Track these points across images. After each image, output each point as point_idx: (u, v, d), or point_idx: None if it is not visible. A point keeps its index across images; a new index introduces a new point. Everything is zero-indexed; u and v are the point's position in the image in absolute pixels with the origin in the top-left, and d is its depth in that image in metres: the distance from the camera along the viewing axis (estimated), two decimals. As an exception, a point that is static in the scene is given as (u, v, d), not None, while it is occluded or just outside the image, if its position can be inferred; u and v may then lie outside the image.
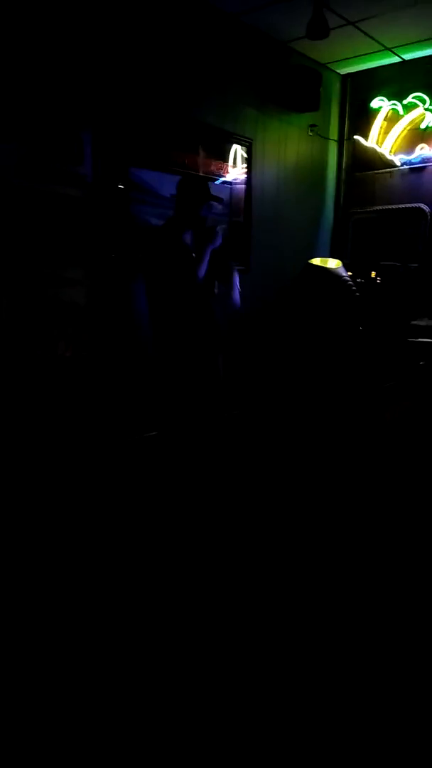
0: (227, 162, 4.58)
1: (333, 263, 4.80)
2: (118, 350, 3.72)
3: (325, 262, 4.80)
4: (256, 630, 2.20)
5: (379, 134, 5.42)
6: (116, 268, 3.69)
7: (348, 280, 4.74)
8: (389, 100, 5.30)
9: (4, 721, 1.75)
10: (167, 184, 3.81)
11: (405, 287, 5.14)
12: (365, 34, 4.65)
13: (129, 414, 3.73)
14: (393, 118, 5.32)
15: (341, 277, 4.70)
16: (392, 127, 5.32)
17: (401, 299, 5.07)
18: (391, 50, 4.98)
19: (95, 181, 3.53)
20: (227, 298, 3.05)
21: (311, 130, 5.36)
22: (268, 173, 5.01)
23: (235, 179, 4.68)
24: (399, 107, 5.26)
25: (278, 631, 2.20)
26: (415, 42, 4.81)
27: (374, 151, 5.46)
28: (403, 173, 5.36)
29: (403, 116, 5.24)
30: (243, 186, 4.77)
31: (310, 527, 2.98)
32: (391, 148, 5.35)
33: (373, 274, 5.26)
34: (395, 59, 5.17)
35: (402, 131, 5.28)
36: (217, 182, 4.48)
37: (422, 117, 5.13)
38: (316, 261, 4.86)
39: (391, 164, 5.39)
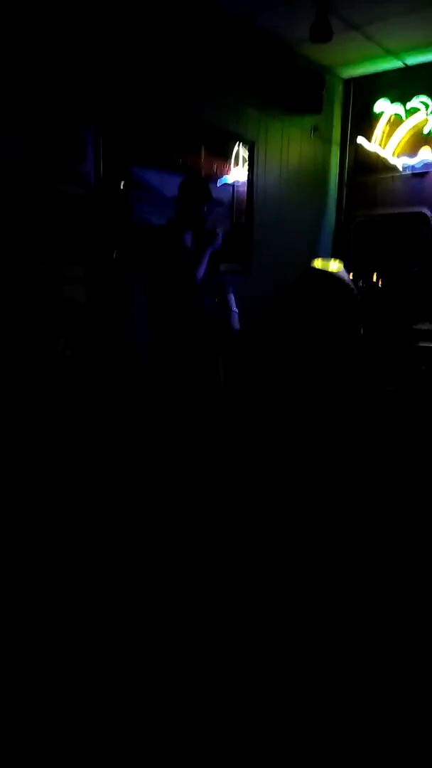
0: (229, 163, 4.57)
1: (335, 265, 4.78)
2: (118, 349, 3.69)
3: (327, 264, 4.78)
4: (256, 629, 2.17)
5: (382, 138, 5.42)
6: (117, 266, 3.67)
7: (350, 284, 4.72)
8: (392, 104, 5.30)
9: (5, 721, 1.72)
10: (169, 184, 3.80)
11: (407, 291, 5.13)
12: (369, 38, 4.66)
13: (128, 413, 3.70)
14: (396, 122, 5.32)
15: (343, 280, 4.68)
16: (395, 131, 5.32)
17: (403, 303, 5.05)
18: (395, 55, 4.98)
19: (97, 180, 3.52)
20: (225, 321, 3.05)
21: (314, 133, 5.36)
22: (270, 175, 5.01)
23: (236, 180, 4.67)
24: (402, 111, 5.26)
25: (278, 631, 2.17)
26: (419, 47, 4.82)
27: (377, 155, 5.46)
28: (405, 177, 5.35)
29: (405, 120, 5.24)
30: (245, 187, 4.75)
31: (310, 529, 2.95)
32: (394, 152, 5.35)
33: (375, 277, 5.25)
34: (399, 64, 5.17)
35: (405, 135, 5.28)
36: (218, 183, 4.46)
37: (425, 122, 5.13)
38: (318, 263, 4.84)
39: (394, 168, 5.39)
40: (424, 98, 5.09)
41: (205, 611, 2.29)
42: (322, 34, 4.13)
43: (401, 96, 5.25)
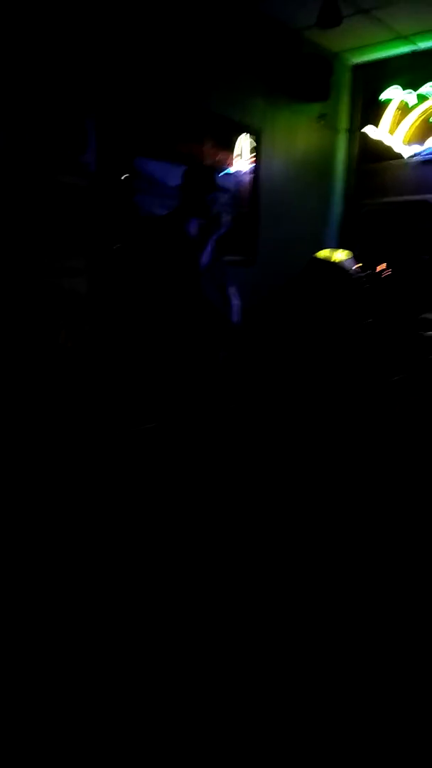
0: (234, 152, 4.52)
1: (341, 254, 4.73)
2: (119, 341, 3.69)
3: (333, 254, 4.74)
4: (255, 629, 2.17)
5: (390, 125, 5.33)
6: (119, 258, 3.66)
7: (355, 273, 4.68)
8: (402, 90, 5.21)
9: (5, 721, 1.74)
10: (172, 175, 3.76)
11: (415, 280, 5.07)
12: (379, 21, 4.56)
13: (128, 405, 3.70)
14: (404, 109, 5.23)
15: (347, 269, 4.63)
16: (404, 118, 5.23)
17: (411, 292, 5.00)
18: (406, 39, 4.88)
19: (99, 170, 3.50)
20: (225, 312, 3.03)
21: (321, 121, 5.29)
22: (276, 164, 4.95)
23: (242, 170, 4.62)
24: (411, 98, 5.17)
25: (278, 630, 2.17)
26: (430, 30, 4.71)
27: (385, 143, 5.37)
28: (414, 165, 5.27)
29: (415, 107, 5.15)
30: (250, 177, 4.71)
31: (313, 523, 2.95)
32: (403, 139, 5.27)
33: (383, 266, 5.19)
34: (408, 49, 5.07)
35: (414, 122, 5.19)
36: (223, 173, 4.42)
37: (435, 108, 5.04)
38: (323, 253, 4.79)
39: (402, 156, 5.30)
40: (434, 84, 5.00)
41: (205, 606, 2.30)
42: (331, 18, 4.06)
43: (411, 82, 5.15)
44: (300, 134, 5.15)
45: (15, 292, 3.14)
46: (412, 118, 5.17)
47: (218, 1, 4.12)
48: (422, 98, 5.10)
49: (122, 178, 3.65)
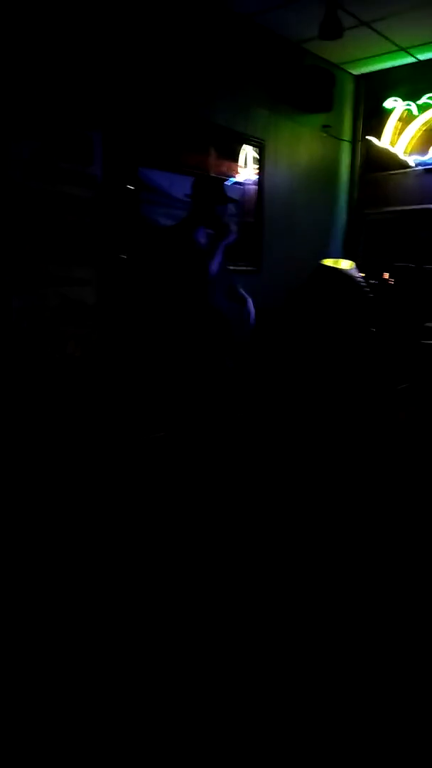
0: (238, 163, 4.56)
1: (345, 264, 4.76)
2: (127, 350, 3.71)
3: (338, 263, 4.76)
4: (255, 629, 2.17)
5: (393, 135, 5.37)
6: (126, 268, 3.68)
7: (360, 281, 4.70)
8: (403, 100, 5.26)
9: (5, 721, 1.74)
10: (178, 185, 3.80)
11: (418, 289, 5.08)
12: (379, 34, 4.62)
13: (137, 415, 3.72)
14: (407, 119, 5.28)
15: (353, 278, 4.65)
16: (406, 127, 5.27)
17: (414, 301, 5.01)
18: (406, 50, 4.93)
19: (105, 182, 3.53)
20: (238, 317, 3.07)
21: (324, 131, 5.33)
22: (280, 174, 4.99)
23: (246, 180, 4.66)
24: (413, 108, 5.21)
25: (278, 630, 2.16)
26: (430, 42, 4.76)
27: (388, 152, 5.41)
28: (417, 174, 5.31)
29: (417, 117, 5.19)
30: (254, 187, 4.74)
31: (318, 527, 2.94)
32: (405, 148, 5.31)
33: (387, 275, 5.21)
34: (409, 60, 5.12)
35: (416, 132, 5.23)
36: (228, 183, 4.46)
37: (437, 117, 5.08)
38: (329, 262, 4.82)
39: (405, 165, 5.34)
40: (435, 94, 5.05)
41: (206, 607, 2.30)
42: (332, 30, 4.10)
43: (412, 92, 5.20)
44: (303, 145, 5.19)
45: (24, 302, 3.16)
46: (415, 128, 5.21)
47: (221, 15, 4.18)
48: (424, 107, 5.14)
49: (128, 189, 3.68)
